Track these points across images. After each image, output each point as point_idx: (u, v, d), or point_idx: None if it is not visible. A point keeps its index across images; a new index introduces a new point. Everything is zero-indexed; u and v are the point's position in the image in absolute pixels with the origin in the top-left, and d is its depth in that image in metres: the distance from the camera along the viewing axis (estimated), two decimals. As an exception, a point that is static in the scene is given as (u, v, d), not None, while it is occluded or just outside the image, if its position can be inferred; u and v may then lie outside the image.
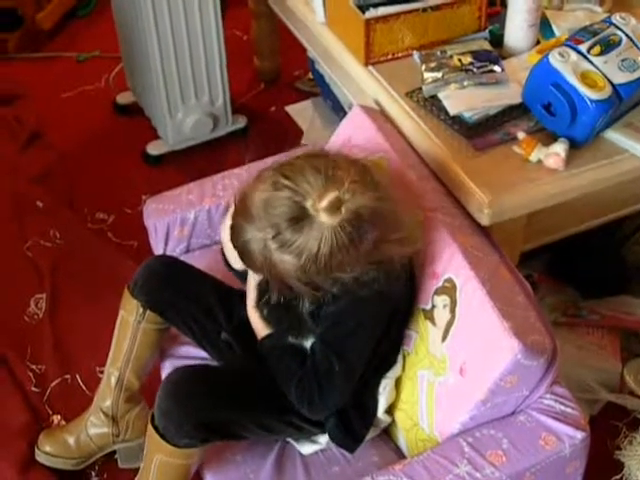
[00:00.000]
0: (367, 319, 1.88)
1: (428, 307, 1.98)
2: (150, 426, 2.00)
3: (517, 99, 2.23)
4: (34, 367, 2.84)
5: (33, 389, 2.77)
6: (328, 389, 1.90)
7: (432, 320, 1.96)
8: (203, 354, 2.27)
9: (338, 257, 1.68)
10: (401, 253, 1.80)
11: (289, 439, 2.12)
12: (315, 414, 1.97)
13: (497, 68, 2.32)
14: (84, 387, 2.75)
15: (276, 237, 1.68)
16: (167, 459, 2.01)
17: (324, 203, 1.65)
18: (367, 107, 2.36)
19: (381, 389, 2.05)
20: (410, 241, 1.83)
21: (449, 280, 1.93)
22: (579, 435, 1.83)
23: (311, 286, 1.75)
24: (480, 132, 2.22)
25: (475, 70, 2.32)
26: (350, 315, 1.87)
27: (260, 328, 2.04)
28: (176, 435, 1.96)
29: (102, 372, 2.37)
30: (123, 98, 3.91)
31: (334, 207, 1.66)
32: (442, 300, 1.93)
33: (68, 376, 2.80)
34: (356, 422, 2.05)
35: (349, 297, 1.82)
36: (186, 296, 2.22)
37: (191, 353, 2.30)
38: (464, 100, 2.26)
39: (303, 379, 1.91)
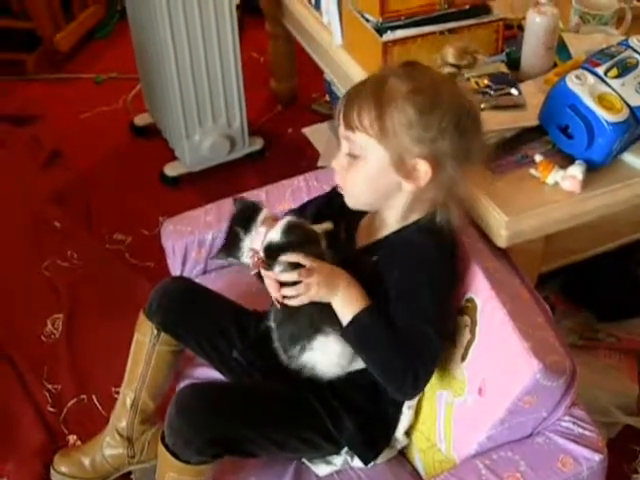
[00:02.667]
0: (433, 269, 1.88)
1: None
2: (160, 444, 2.00)
3: (534, 122, 2.23)
4: (50, 387, 2.84)
5: (49, 409, 2.77)
6: (429, 356, 1.86)
7: (452, 340, 1.96)
8: (219, 376, 2.26)
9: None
10: (455, 213, 1.90)
11: (304, 460, 2.11)
12: (417, 389, 1.91)
13: (514, 91, 2.32)
14: (100, 407, 2.75)
15: None
16: (178, 477, 2.00)
17: None
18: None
19: (405, 409, 2.05)
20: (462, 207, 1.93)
21: (470, 300, 1.93)
22: (597, 457, 1.82)
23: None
24: (497, 155, 2.21)
25: (492, 93, 2.32)
26: (415, 273, 1.88)
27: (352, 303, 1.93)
28: (186, 452, 1.95)
29: (118, 392, 2.37)
30: (141, 119, 3.93)
31: None
32: (463, 321, 1.93)
33: (84, 396, 2.80)
34: (376, 431, 2.05)
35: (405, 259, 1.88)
36: (201, 318, 2.22)
37: (207, 375, 2.30)
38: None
39: (409, 362, 1.86)
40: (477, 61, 1.93)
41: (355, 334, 1.89)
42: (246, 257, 2.01)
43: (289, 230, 1.97)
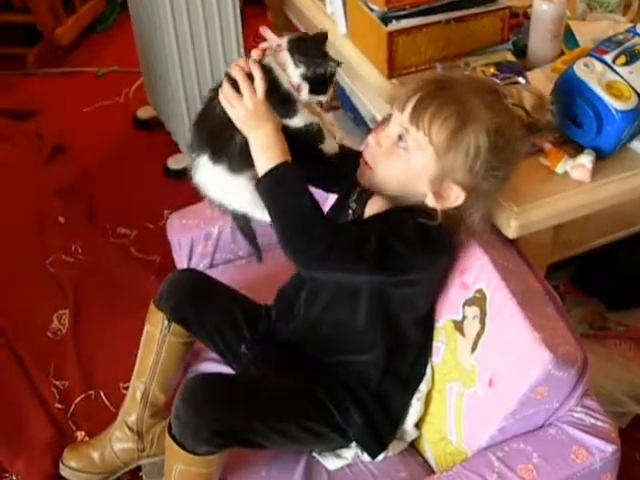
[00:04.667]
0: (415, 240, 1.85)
1: (459, 318, 1.97)
2: (167, 436, 1.99)
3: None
4: (58, 383, 2.84)
5: (57, 405, 2.77)
6: (348, 246, 1.81)
7: (461, 331, 1.96)
8: (226, 370, 2.26)
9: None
10: (476, 221, 1.87)
11: (314, 454, 2.10)
12: (322, 263, 1.80)
13: (521, 80, 2.30)
14: (108, 403, 2.75)
15: None
16: (187, 468, 1.99)
17: None
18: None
19: (414, 401, 2.05)
20: (485, 219, 1.91)
21: (479, 291, 1.92)
22: (610, 448, 1.81)
23: None
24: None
25: (499, 82, 2.30)
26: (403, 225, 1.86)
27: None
28: (194, 443, 1.94)
29: (126, 388, 2.38)
30: (143, 112, 3.93)
31: None
32: (473, 311, 1.93)
33: (92, 392, 2.80)
34: (382, 426, 2.05)
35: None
36: (211, 309, 2.23)
37: (215, 370, 2.30)
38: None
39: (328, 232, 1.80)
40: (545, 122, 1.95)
41: (273, 184, 1.82)
42: None
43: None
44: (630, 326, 2.74)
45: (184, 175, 3.50)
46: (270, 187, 1.81)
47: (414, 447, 2.14)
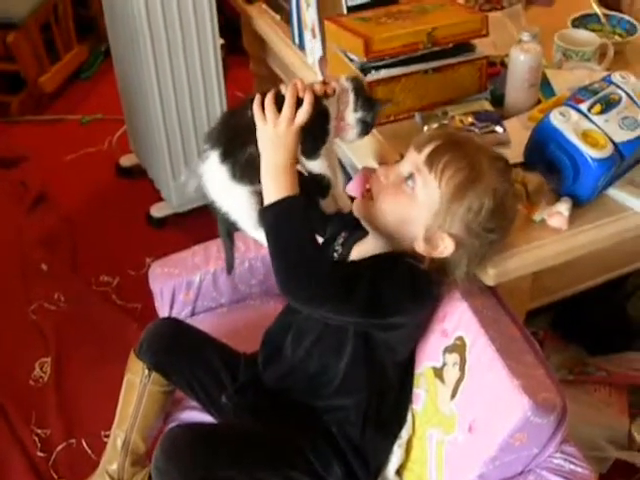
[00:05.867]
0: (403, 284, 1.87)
1: (439, 365, 1.98)
2: None
3: (519, 159, 2.24)
4: (39, 431, 2.83)
5: (39, 454, 2.77)
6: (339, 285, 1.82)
7: (441, 378, 1.96)
8: (207, 419, 2.26)
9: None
10: (458, 278, 1.91)
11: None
12: (312, 297, 1.83)
13: (499, 129, 2.33)
14: (89, 451, 2.74)
15: None
16: None
17: None
18: (369, 168, 2.38)
19: (395, 448, 2.05)
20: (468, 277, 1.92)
21: (459, 338, 1.93)
22: (589, 495, 1.82)
23: None
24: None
25: (477, 131, 2.32)
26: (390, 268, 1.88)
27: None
28: None
29: (107, 436, 2.36)
30: (126, 160, 3.94)
31: None
32: (453, 358, 1.93)
33: (73, 440, 2.79)
34: (362, 475, 2.05)
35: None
36: (191, 359, 2.23)
37: (195, 418, 2.29)
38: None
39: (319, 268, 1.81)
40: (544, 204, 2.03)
41: (279, 216, 1.81)
42: None
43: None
44: (610, 371, 2.74)
45: (166, 223, 3.57)
46: (275, 219, 1.80)
47: (396, 494, 2.14)
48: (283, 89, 1.84)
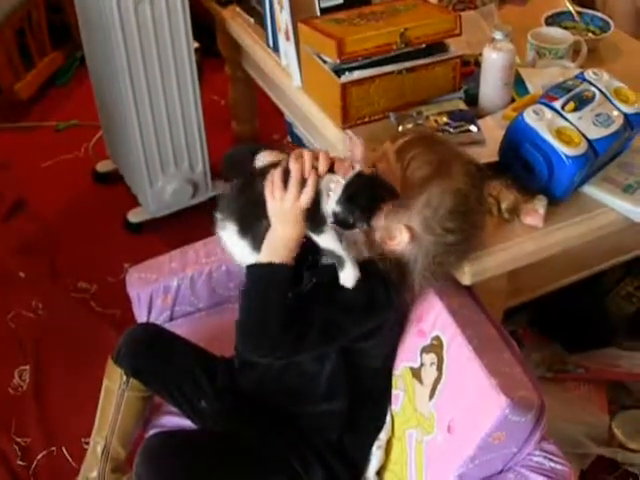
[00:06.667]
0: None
1: (416, 365, 1.98)
2: None
3: (493, 157, 2.24)
4: (19, 440, 2.82)
5: (19, 462, 2.75)
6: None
7: (419, 378, 1.96)
8: (187, 424, 2.25)
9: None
10: (417, 285, 1.91)
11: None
12: (265, 357, 1.94)
13: (473, 128, 2.34)
14: (70, 459, 2.73)
15: None
16: None
17: None
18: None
19: (374, 449, 2.05)
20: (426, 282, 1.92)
21: (436, 338, 1.93)
22: (569, 492, 1.83)
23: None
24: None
25: (452, 130, 2.33)
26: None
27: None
28: None
29: (87, 443, 2.35)
30: (103, 166, 3.92)
31: None
32: (430, 358, 1.94)
33: (54, 448, 2.78)
34: (343, 476, 2.06)
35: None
36: (169, 364, 2.22)
37: (175, 423, 2.28)
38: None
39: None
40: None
41: (264, 277, 1.85)
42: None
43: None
44: (589, 368, 2.75)
45: (144, 228, 3.56)
46: (259, 277, 1.85)
47: (376, 496, 2.14)
48: (292, 163, 1.82)
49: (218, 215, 1.94)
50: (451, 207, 1.82)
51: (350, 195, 1.77)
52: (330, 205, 1.79)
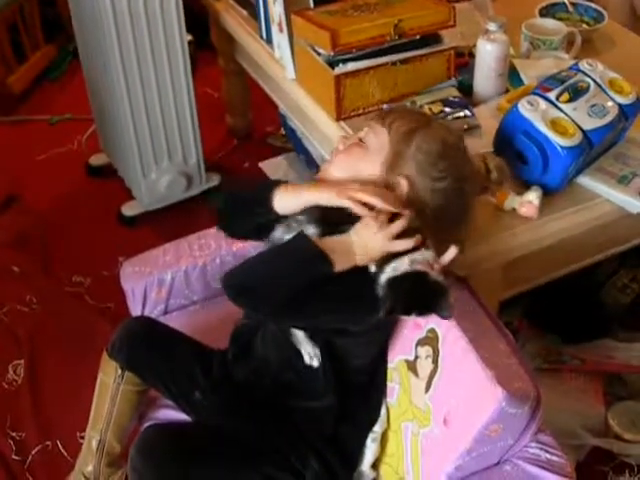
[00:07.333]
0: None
1: (411, 358, 1.97)
2: None
3: (488, 148, 2.24)
4: (14, 434, 2.81)
5: (14, 457, 2.74)
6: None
7: (415, 371, 1.96)
8: (182, 417, 2.24)
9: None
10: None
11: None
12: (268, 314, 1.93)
13: (467, 112, 2.34)
14: (65, 453, 2.72)
15: None
16: None
17: None
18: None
19: (369, 442, 2.05)
20: None
21: (432, 330, 1.93)
22: (566, 483, 1.82)
23: None
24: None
25: (448, 118, 2.33)
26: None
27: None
28: None
29: (83, 437, 2.35)
30: (96, 160, 3.91)
31: None
32: (425, 351, 1.93)
33: (49, 442, 2.77)
34: (338, 469, 2.05)
35: None
36: (164, 357, 2.20)
37: (170, 416, 2.27)
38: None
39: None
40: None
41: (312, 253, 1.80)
42: None
43: None
44: (584, 359, 2.75)
45: (138, 221, 3.56)
46: (301, 253, 1.81)
47: (373, 488, 2.14)
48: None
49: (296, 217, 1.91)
50: (440, 151, 1.85)
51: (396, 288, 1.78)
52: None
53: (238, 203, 2.03)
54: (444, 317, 1.79)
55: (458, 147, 1.90)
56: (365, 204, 1.83)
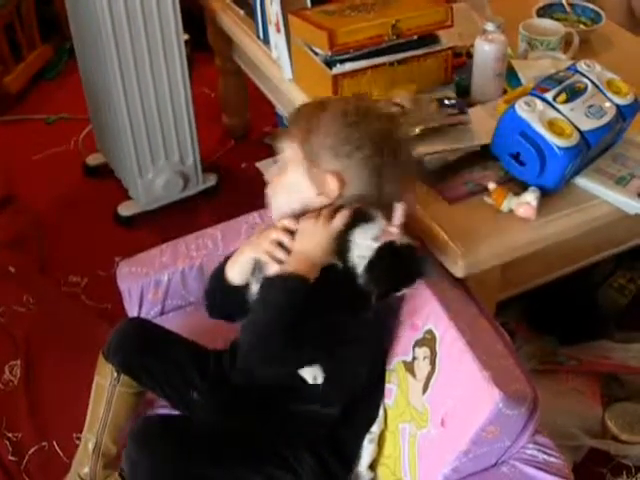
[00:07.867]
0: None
1: (409, 359, 1.97)
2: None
3: (476, 144, 2.24)
4: (10, 435, 2.80)
5: (10, 458, 2.73)
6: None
7: (412, 372, 1.96)
8: (181, 416, 2.25)
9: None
10: None
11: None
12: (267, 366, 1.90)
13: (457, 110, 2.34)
14: (61, 454, 2.71)
15: None
16: None
17: None
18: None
19: (366, 443, 2.05)
20: None
21: (429, 332, 1.93)
22: (563, 484, 1.82)
23: None
24: (441, 178, 2.21)
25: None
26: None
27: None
28: None
29: (79, 438, 2.34)
30: (93, 159, 3.91)
31: None
32: (423, 352, 1.93)
33: (45, 443, 2.76)
34: (336, 469, 2.05)
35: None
36: (160, 359, 2.20)
37: (168, 416, 2.27)
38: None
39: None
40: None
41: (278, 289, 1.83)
42: None
43: None
44: (581, 360, 2.75)
45: (135, 222, 3.55)
46: (275, 287, 1.83)
47: (369, 490, 2.13)
48: None
49: None
50: (345, 122, 1.85)
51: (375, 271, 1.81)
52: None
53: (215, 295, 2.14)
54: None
55: (358, 110, 1.89)
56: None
